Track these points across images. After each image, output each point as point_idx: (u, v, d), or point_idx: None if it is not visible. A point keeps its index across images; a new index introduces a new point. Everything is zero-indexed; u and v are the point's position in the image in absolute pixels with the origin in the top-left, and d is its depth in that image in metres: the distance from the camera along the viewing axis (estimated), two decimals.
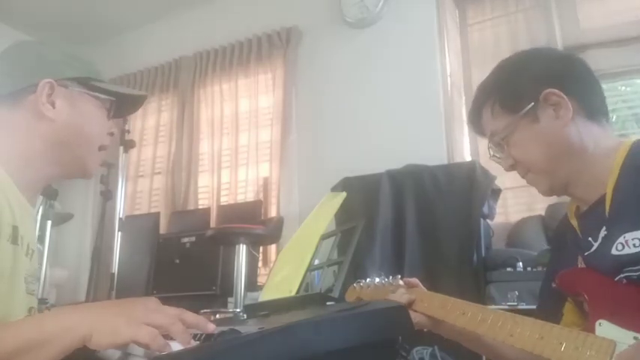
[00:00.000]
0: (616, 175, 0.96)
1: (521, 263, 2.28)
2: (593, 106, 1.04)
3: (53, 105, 0.99)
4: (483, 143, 1.20)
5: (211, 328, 0.77)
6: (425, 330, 1.16)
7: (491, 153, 1.12)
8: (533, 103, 1.02)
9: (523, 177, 1.09)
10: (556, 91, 1.01)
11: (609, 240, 0.94)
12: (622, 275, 0.90)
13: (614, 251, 0.91)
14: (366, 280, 1.35)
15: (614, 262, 0.91)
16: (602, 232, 0.96)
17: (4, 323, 0.80)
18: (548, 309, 1.07)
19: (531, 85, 1.03)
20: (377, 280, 1.32)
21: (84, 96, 1.04)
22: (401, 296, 1.18)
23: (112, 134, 1.11)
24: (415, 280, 1.26)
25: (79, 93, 1.03)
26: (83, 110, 1.03)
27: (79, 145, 1.02)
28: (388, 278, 1.30)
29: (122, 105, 1.12)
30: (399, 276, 1.29)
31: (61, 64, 1.02)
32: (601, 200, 0.98)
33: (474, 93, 1.16)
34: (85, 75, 1.04)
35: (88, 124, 1.03)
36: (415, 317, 1.14)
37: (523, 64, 1.09)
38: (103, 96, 1.06)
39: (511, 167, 1.09)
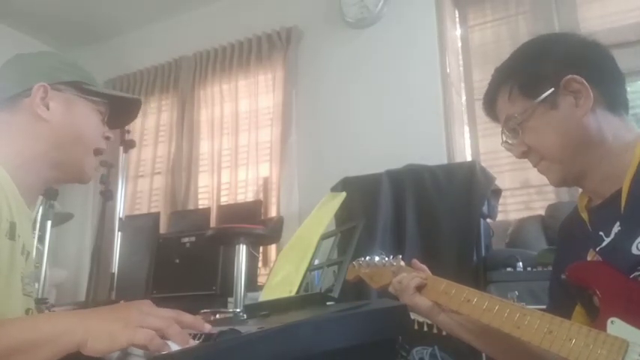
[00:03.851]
0: (634, 170, 0.92)
1: (521, 263, 2.27)
2: (614, 97, 0.99)
3: (47, 107, 1.01)
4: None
5: (207, 328, 0.78)
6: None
7: (504, 139, 1.07)
8: (552, 89, 0.97)
9: (535, 165, 1.05)
10: (578, 77, 0.96)
11: (626, 237, 0.90)
12: (637, 273, 0.87)
13: (635, 250, 0.87)
14: (365, 259, 1.29)
15: (634, 262, 0.87)
16: (616, 228, 0.93)
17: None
18: (559, 306, 1.01)
19: (552, 70, 0.99)
20: (377, 258, 1.26)
21: (77, 99, 1.06)
22: (412, 279, 1.13)
23: (107, 138, 1.12)
24: (416, 263, 1.20)
25: (73, 96, 1.06)
26: (77, 112, 1.05)
27: (75, 145, 1.04)
28: (389, 257, 1.25)
29: (118, 112, 1.15)
30: (400, 256, 1.24)
31: (55, 70, 1.06)
32: (616, 195, 0.94)
33: (492, 75, 1.09)
34: (78, 79, 1.07)
35: (82, 125, 1.06)
36: (422, 301, 1.09)
37: (545, 48, 1.03)
38: (95, 98, 1.09)
39: (523, 154, 1.04)
